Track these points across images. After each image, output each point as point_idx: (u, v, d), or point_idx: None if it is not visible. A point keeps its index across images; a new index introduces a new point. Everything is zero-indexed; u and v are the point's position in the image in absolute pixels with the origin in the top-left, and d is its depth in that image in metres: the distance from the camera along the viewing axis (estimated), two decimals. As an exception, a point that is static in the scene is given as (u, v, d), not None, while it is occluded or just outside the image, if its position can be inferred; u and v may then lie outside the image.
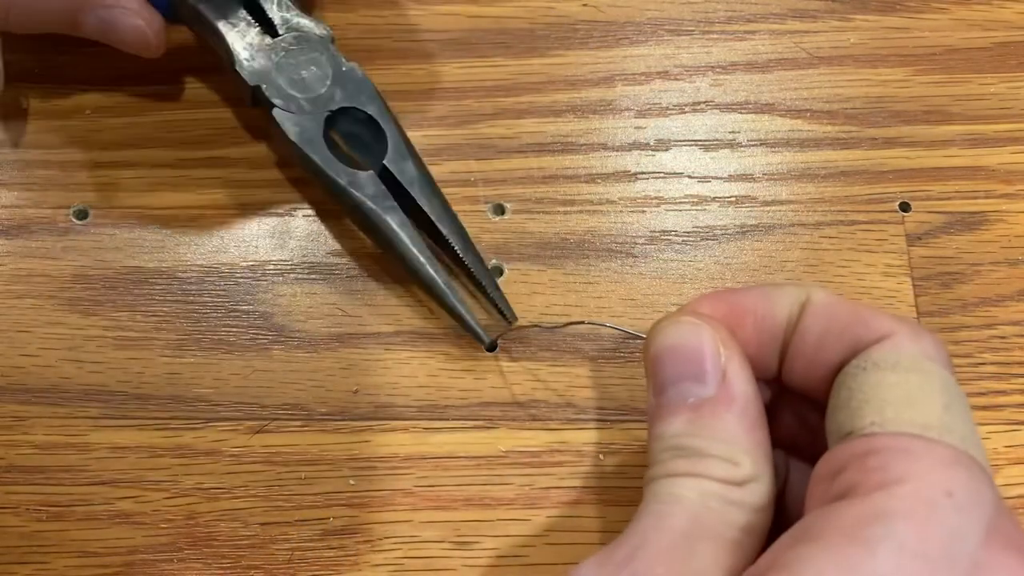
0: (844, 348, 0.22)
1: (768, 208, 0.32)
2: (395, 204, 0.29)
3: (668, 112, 0.33)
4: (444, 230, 0.30)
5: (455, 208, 0.30)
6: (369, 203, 0.29)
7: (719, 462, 0.21)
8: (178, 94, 0.33)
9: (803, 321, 0.22)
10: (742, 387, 0.22)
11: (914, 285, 0.31)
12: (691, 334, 0.22)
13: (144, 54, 0.31)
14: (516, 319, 0.30)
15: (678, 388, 0.22)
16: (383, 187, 0.30)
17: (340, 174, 0.29)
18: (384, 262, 0.31)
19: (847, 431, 0.20)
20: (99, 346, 0.30)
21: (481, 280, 0.30)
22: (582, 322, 0.30)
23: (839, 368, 0.22)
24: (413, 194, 0.30)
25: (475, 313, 0.29)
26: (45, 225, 0.31)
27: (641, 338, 0.25)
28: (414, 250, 0.29)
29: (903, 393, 0.20)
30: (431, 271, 0.29)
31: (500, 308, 0.30)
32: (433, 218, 0.30)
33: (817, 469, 0.20)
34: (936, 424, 0.19)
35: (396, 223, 0.29)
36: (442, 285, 0.29)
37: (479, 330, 0.29)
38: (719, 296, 0.24)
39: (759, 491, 0.21)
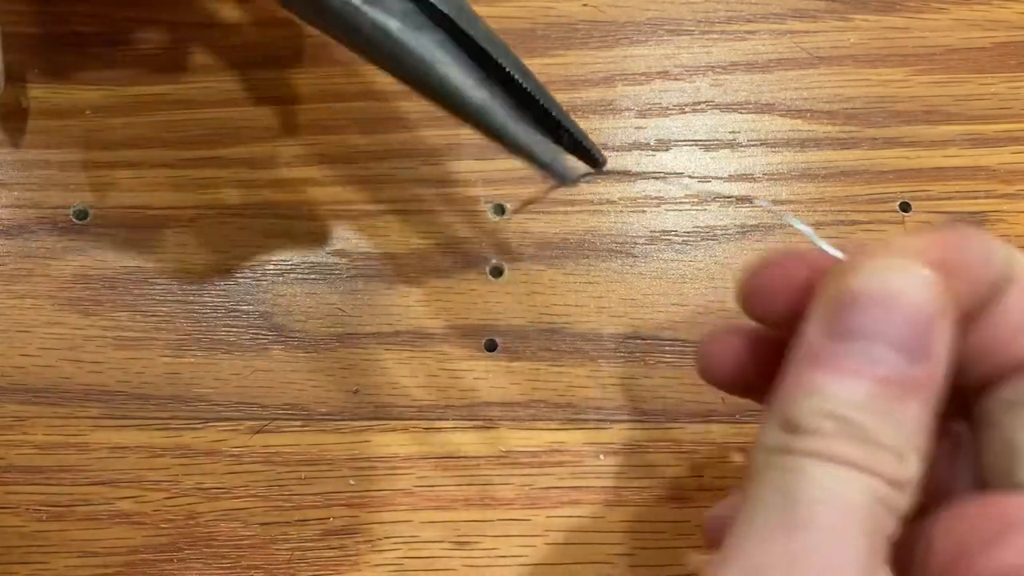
0: None
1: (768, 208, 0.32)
2: (428, 21, 0.22)
3: (668, 112, 0.33)
4: (495, 55, 0.22)
5: (454, 209, 0.30)
6: (395, 21, 0.22)
7: (891, 456, 0.16)
8: (178, 94, 0.33)
9: (1013, 297, 0.18)
10: (942, 371, 0.17)
11: (914, 285, 0.31)
12: (919, 291, 0.17)
13: None
14: (605, 161, 0.24)
15: (872, 346, 0.17)
16: (410, 3, 0.22)
17: None
18: (384, 262, 0.31)
19: None
20: (99, 346, 0.30)
21: (551, 111, 0.23)
22: (742, 199, 0.23)
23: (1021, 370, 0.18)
24: (451, 15, 0.22)
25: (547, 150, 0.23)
26: (45, 225, 0.31)
27: (835, 255, 0.19)
28: (459, 71, 0.22)
29: None
30: (482, 95, 0.22)
31: (586, 146, 0.23)
32: (481, 44, 0.22)
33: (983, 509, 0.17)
34: None
35: (434, 42, 0.22)
36: (499, 111, 0.22)
37: (556, 164, 0.23)
38: (939, 241, 0.18)
39: (911, 498, 0.17)
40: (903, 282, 0.17)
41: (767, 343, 0.21)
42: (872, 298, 0.17)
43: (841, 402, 0.17)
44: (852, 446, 0.16)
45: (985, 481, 0.18)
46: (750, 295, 0.21)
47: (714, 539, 0.22)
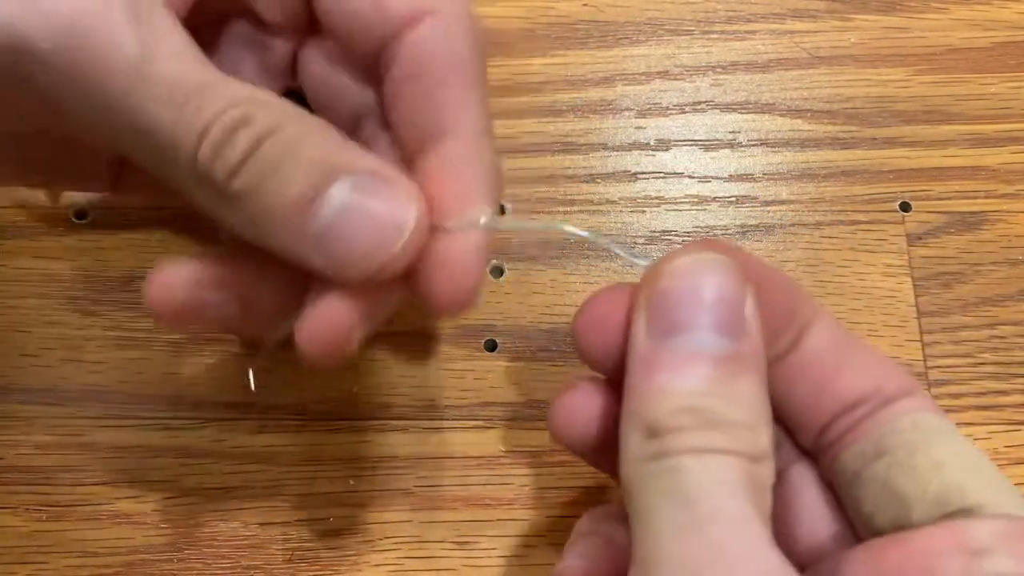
0: (866, 387, 0.20)
1: (768, 208, 0.32)
2: None
3: (668, 112, 0.33)
4: None
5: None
6: None
7: (746, 432, 0.18)
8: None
9: (814, 341, 0.21)
10: (760, 344, 0.19)
11: (914, 285, 0.31)
12: (723, 274, 0.19)
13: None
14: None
15: (696, 336, 0.18)
16: None
17: None
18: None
19: (945, 510, 0.18)
20: (99, 346, 0.30)
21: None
22: (573, 231, 0.22)
23: (851, 405, 0.20)
24: None
25: None
26: (45, 225, 0.31)
27: (643, 263, 0.21)
28: None
29: (989, 472, 0.19)
30: None
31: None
32: None
33: (892, 546, 0.18)
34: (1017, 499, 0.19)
35: None
36: None
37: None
38: (734, 250, 0.20)
39: (771, 471, 0.18)
40: (706, 272, 0.19)
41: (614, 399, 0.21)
42: (683, 292, 0.19)
43: (688, 394, 0.18)
44: (712, 432, 0.17)
45: (874, 528, 0.20)
46: (583, 343, 0.21)
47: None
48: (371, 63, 0.23)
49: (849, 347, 0.21)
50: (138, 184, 0.27)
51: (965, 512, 0.18)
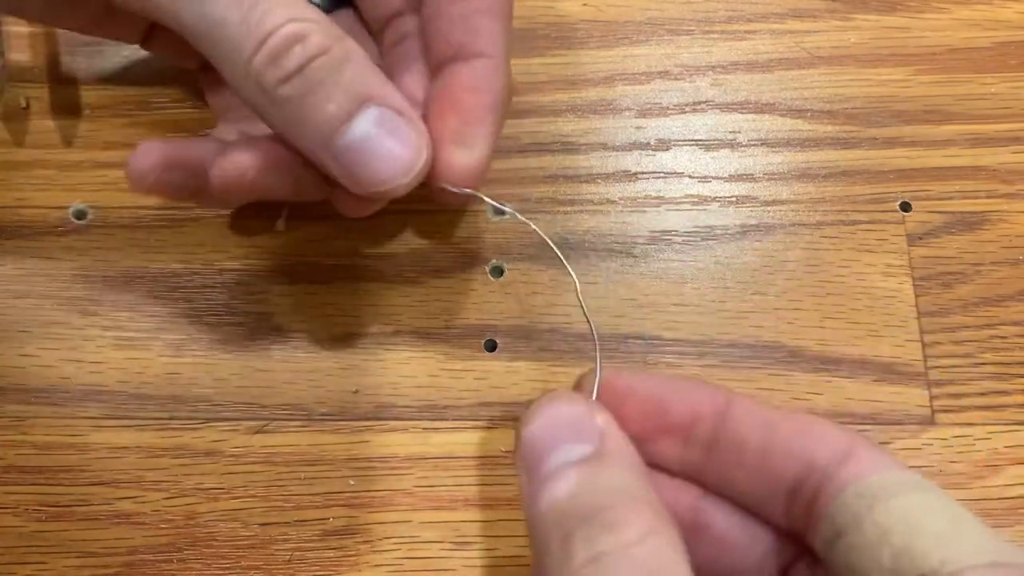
0: (799, 465, 0.21)
1: (768, 208, 0.32)
2: None
3: (668, 112, 0.33)
4: None
5: (454, 209, 0.30)
6: None
7: (629, 514, 0.19)
8: (178, 94, 0.33)
9: (734, 427, 0.22)
10: (625, 442, 0.21)
11: (914, 285, 0.31)
12: (563, 401, 0.22)
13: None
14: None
15: (558, 453, 0.21)
16: None
17: None
18: (384, 262, 0.31)
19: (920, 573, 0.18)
20: (99, 346, 0.30)
21: None
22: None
23: (794, 485, 0.21)
24: None
25: None
26: (45, 225, 0.31)
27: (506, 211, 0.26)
28: None
29: (940, 519, 0.19)
30: None
31: None
32: None
33: None
34: (992, 546, 0.18)
35: None
36: None
37: None
38: (616, 374, 0.23)
39: (671, 540, 0.19)
40: (547, 404, 0.22)
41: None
42: (537, 427, 0.21)
43: (566, 499, 0.20)
44: (602, 536, 0.19)
45: None
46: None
47: None
48: None
49: (772, 425, 0.22)
50: (166, 42, 0.30)
51: None
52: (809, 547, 0.21)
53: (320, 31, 0.23)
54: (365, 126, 0.23)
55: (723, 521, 0.22)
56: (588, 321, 0.26)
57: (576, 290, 0.27)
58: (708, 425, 0.22)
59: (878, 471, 0.20)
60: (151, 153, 0.26)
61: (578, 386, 0.24)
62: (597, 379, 0.23)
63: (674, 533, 0.19)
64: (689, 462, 0.23)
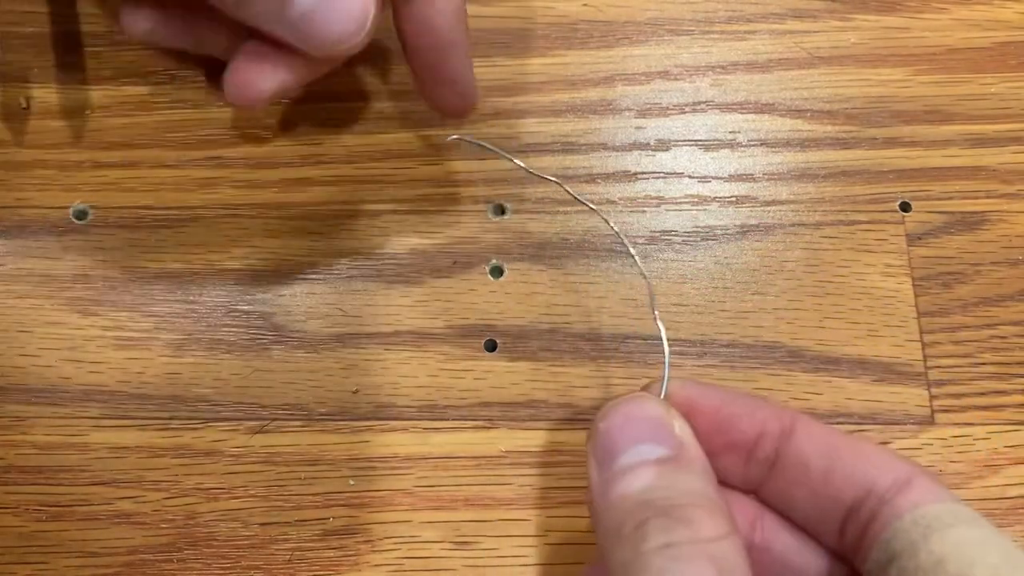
0: (858, 489, 0.21)
1: (768, 208, 0.32)
2: None
3: (668, 112, 0.33)
4: None
5: (454, 209, 0.30)
6: None
7: (702, 515, 0.20)
8: (178, 94, 0.33)
9: (797, 448, 0.22)
10: (701, 452, 0.22)
11: (914, 285, 0.31)
12: (645, 403, 0.22)
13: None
14: None
15: (636, 450, 0.21)
16: None
17: None
18: (384, 262, 0.31)
19: None
20: (99, 346, 0.30)
21: None
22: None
23: (851, 508, 0.21)
24: None
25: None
26: (45, 225, 0.31)
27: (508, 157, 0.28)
28: None
29: (995, 552, 0.19)
30: None
31: None
32: None
33: None
34: None
35: None
36: None
37: None
38: (682, 385, 0.24)
39: (735, 546, 0.20)
40: (633, 404, 0.22)
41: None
42: (619, 422, 0.22)
43: (640, 492, 0.20)
44: (668, 520, 0.19)
45: None
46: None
47: None
48: None
49: (835, 448, 0.22)
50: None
51: None
52: (857, 571, 0.21)
53: None
54: None
55: (780, 543, 0.23)
56: (658, 326, 0.26)
57: (649, 292, 0.28)
58: (772, 444, 0.23)
59: (937, 501, 0.20)
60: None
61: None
62: (664, 385, 0.24)
63: (742, 543, 0.20)
64: (750, 479, 0.23)
